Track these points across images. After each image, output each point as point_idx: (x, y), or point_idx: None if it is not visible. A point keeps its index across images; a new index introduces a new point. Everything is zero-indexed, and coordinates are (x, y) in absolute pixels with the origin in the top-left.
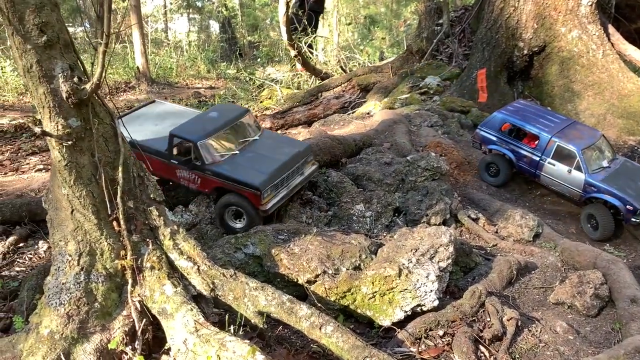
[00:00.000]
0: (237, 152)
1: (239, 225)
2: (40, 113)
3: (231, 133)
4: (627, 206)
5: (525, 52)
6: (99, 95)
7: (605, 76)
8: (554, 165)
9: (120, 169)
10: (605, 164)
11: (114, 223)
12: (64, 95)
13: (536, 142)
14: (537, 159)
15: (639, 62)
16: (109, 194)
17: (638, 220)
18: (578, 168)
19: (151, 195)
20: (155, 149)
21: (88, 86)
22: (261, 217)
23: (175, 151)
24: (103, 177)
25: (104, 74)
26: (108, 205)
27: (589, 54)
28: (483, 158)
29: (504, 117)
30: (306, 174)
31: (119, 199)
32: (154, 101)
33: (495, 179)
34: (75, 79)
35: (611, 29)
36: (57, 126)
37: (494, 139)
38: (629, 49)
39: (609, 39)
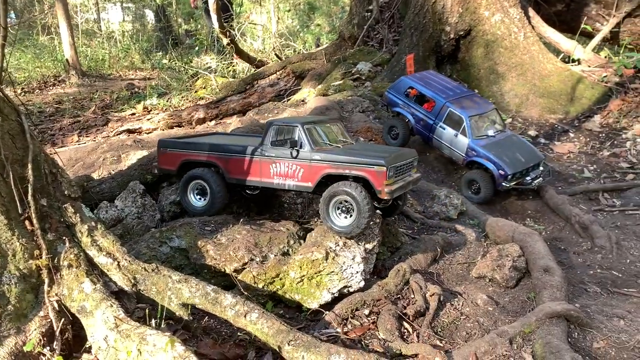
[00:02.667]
0: (341, 146)
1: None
2: None
3: (330, 131)
4: (500, 171)
5: (452, 36)
6: (2, 90)
7: (527, 58)
8: (444, 129)
9: (30, 166)
10: (491, 133)
11: (26, 222)
12: None
13: (433, 107)
14: (431, 122)
15: (557, 44)
16: (18, 193)
17: (507, 185)
18: (464, 133)
19: (65, 192)
20: (242, 145)
21: None
22: (374, 210)
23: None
24: (11, 176)
25: (2, 69)
26: (19, 205)
27: (511, 37)
28: (386, 120)
29: (408, 81)
30: (413, 177)
31: (30, 198)
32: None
33: (395, 141)
34: None
35: (531, 12)
36: None
37: (399, 102)
38: (548, 31)
39: (529, 22)
